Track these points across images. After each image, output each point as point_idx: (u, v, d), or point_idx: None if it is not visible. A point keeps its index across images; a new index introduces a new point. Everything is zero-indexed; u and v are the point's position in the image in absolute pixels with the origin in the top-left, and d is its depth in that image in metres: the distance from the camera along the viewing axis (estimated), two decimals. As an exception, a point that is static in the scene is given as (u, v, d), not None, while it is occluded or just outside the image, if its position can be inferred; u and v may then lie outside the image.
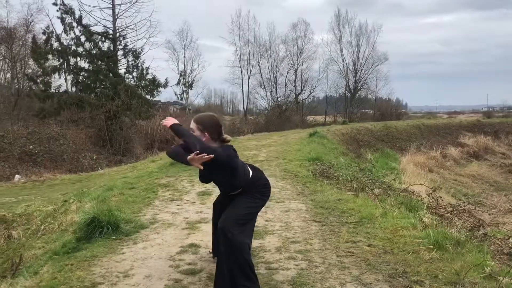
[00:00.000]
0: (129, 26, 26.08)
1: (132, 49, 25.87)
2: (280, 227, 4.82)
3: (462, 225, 6.11)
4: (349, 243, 4.16)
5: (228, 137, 3.40)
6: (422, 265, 3.53)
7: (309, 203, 6.01)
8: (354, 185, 7.13)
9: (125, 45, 25.95)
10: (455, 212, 6.26)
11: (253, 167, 3.53)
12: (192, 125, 3.32)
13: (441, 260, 3.61)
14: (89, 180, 13.23)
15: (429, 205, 6.08)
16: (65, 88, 25.75)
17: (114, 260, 3.87)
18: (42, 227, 7.67)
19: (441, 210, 6.31)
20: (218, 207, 3.62)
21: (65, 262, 3.97)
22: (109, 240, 4.47)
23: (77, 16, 24.48)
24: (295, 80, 45.45)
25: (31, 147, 18.34)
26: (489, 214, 8.52)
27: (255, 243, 4.24)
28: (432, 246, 3.82)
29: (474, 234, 4.41)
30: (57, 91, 24.84)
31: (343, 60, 47.39)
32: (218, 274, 3.23)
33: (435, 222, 4.68)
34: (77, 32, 24.68)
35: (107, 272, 3.59)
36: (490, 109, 78.92)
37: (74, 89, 25.88)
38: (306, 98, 47.17)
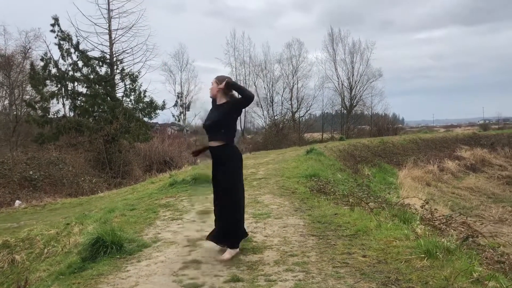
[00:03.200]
0: (126, 50, 26.48)
1: (129, 73, 26.18)
2: (279, 241, 4.99)
3: (457, 235, 6.28)
4: (344, 255, 4.33)
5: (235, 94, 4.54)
6: (414, 273, 3.70)
7: (307, 218, 6.18)
8: (351, 200, 7.30)
9: (122, 69, 26.26)
10: (449, 223, 6.43)
11: None
12: (213, 80, 4.60)
13: (432, 267, 3.78)
14: (90, 203, 13.36)
15: (423, 217, 6.25)
16: (63, 113, 25.96)
17: (120, 277, 4.03)
18: (46, 250, 7.80)
19: (436, 221, 6.48)
20: None
21: (72, 281, 4.12)
22: (113, 259, 4.62)
23: (74, 42, 24.85)
24: (291, 99, 45.91)
25: (30, 172, 18.46)
26: (482, 224, 8.67)
27: (254, 257, 4.41)
28: (423, 255, 3.99)
29: (464, 243, 4.59)
30: (55, 116, 25.03)
31: (338, 78, 47.91)
32: None
33: (427, 233, 4.85)
34: (75, 58, 25.02)
35: (113, 288, 3.75)
36: (487, 121, 79.54)
37: (72, 114, 26.09)
38: (303, 116, 47.59)
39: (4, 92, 35.81)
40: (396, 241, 4.54)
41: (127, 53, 26.29)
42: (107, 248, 4.81)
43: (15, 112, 33.30)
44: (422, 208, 6.45)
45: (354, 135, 43.24)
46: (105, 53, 25.87)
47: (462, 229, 7.46)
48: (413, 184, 19.73)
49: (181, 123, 45.28)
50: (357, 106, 48.54)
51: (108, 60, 25.81)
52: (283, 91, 45.97)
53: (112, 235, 4.96)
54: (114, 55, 26.03)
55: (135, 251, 4.90)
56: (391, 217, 5.85)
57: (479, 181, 23.88)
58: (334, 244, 4.73)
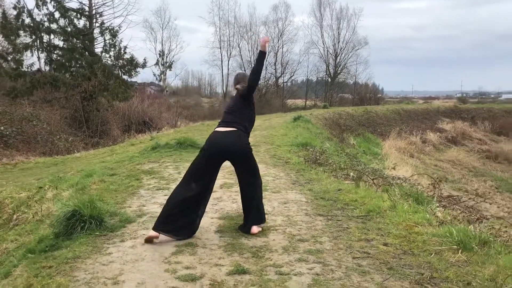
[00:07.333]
0: (106, 3, 25.07)
1: (109, 27, 24.81)
2: (283, 221, 4.40)
3: (463, 217, 5.82)
4: (362, 242, 3.77)
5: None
6: (450, 269, 3.17)
7: (308, 194, 5.61)
8: (351, 174, 6.76)
9: (102, 23, 24.84)
10: (460, 203, 5.96)
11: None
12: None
13: (470, 263, 3.25)
14: (65, 163, 12.57)
15: (433, 197, 5.75)
16: (38, 66, 24.59)
17: (100, 262, 3.39)
18: (15, 216, 7.08)
19: (444, 202, 6.00)
20: None
21: (42, 264, 3.47)
22: (92, 237, 3.98)
23: (50, -10, 23.28)
24: (275, 63, 44.93)
25: (2, 128, 17.36)
26: (490, 204, 8.30)
27: (258, 241, 3.83)
28: (456, 246, 3.46)
29: (498, 233, 4.09)
30: (29, 70, 23.70)
31: (323, 44, 46.98)
32: None
33: (448, 217, 4.34)
34: (51, 8, 23.47)
35: (92, 278, 3.10)
36: (464, 95, 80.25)
37: (47, 68, 24.74)
38: (286, 82, 46.74)
39: (-26, 41, 33.89)
40: (417, 227, 4.01)
41: (107, 6, 25.02)
42: (85, 223, 4.15)
43: (-14, 64, 31.60)
44: (433, 186, 5.95)
45: (336, 103, 42.77)
46: (84, 4, 24.39)
47: (463, 209, 7.04)
48: (398, 155, 19.51)
49: (161, 83, 43.92)
50: (342, 73, 47.92)
51: (87, 13, 24.34)
52: (267, 55, 44.81)
53: (91, 208, 4.29)
54: (94, 7, 24.58)
55: (117, 227, 4.25)
56: (404, 196, 5.32)
57: (459, 154, 23.83)
58: (346, 228, 4.16)
